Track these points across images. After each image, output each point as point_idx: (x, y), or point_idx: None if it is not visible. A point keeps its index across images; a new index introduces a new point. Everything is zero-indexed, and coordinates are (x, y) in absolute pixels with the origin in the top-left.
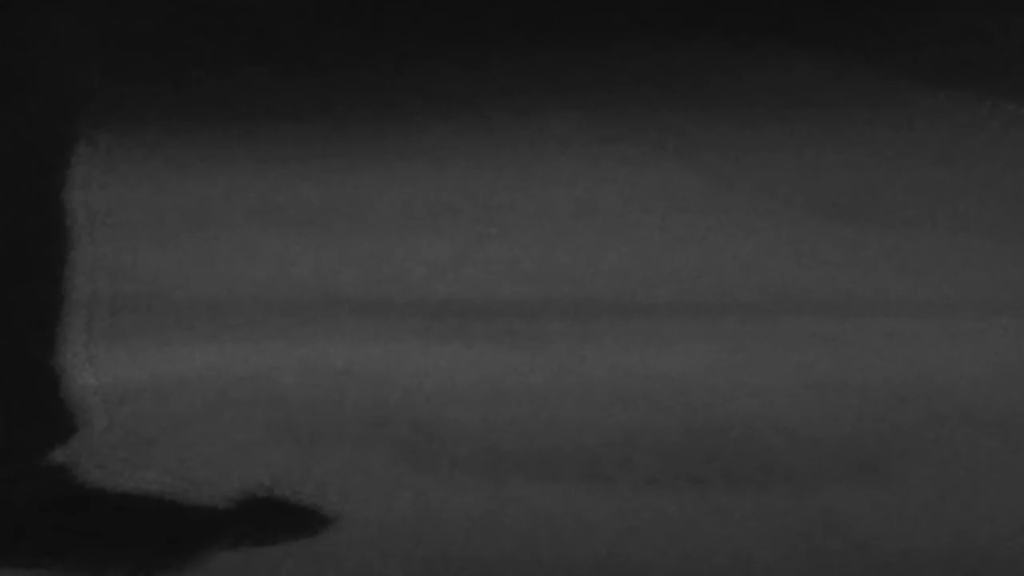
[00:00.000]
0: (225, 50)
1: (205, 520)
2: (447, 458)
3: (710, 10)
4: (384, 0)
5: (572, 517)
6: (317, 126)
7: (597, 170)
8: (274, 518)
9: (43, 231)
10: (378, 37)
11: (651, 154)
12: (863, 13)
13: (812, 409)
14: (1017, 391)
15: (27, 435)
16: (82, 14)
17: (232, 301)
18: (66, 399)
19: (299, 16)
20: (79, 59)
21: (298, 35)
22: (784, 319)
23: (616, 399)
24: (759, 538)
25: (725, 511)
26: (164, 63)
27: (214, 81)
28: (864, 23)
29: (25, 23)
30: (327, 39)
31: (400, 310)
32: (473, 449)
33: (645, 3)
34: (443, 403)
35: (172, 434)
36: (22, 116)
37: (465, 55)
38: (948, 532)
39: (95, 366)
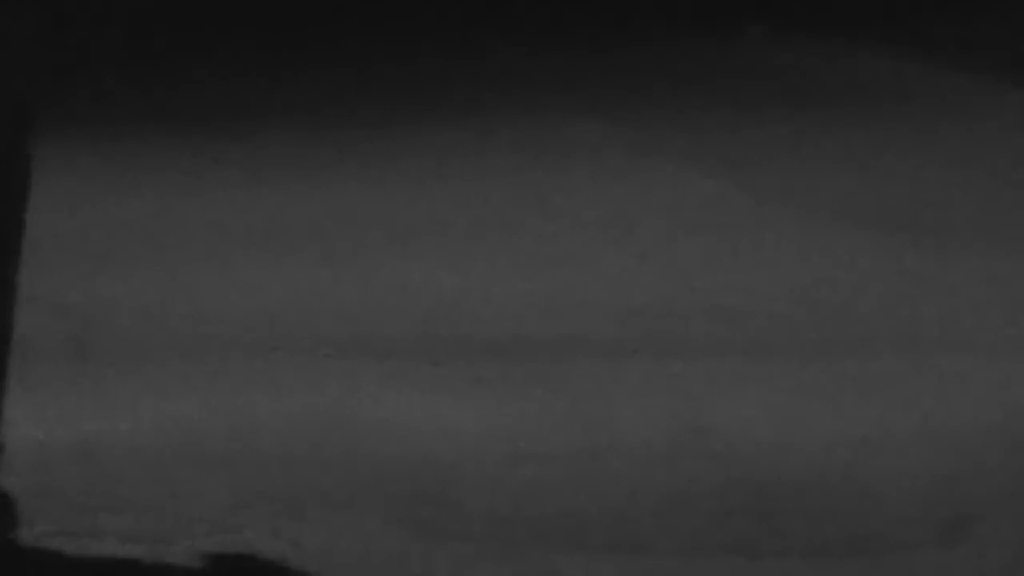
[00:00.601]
0: (198, 51)
1: None
2: (457, 525)
3: (753, 9)
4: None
5: None
6: (306, 134)
7: (629, 185)
8: None
9: None
10: (375, 34)
11: (689, 167)
12: (921, 14)
13: (881, 462)
14: None
15: None
16: (28, 16)
17: (203, 339)
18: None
19: (282, 14)
20: (26, 65)
21: (282, 34)
22: (846, 357)
23: (652, 454)
24: None
25: None
26: (123, 67)
27: (184, 85)
28: (925, 24)
29: None
30: (316, 35)
31: (402, 349)
32: (487, 515)
33: (680, 1)
34: (452, 460)
35: (133, 496)
36: None
37: (478, 58)
38: None
39: (40, 417)
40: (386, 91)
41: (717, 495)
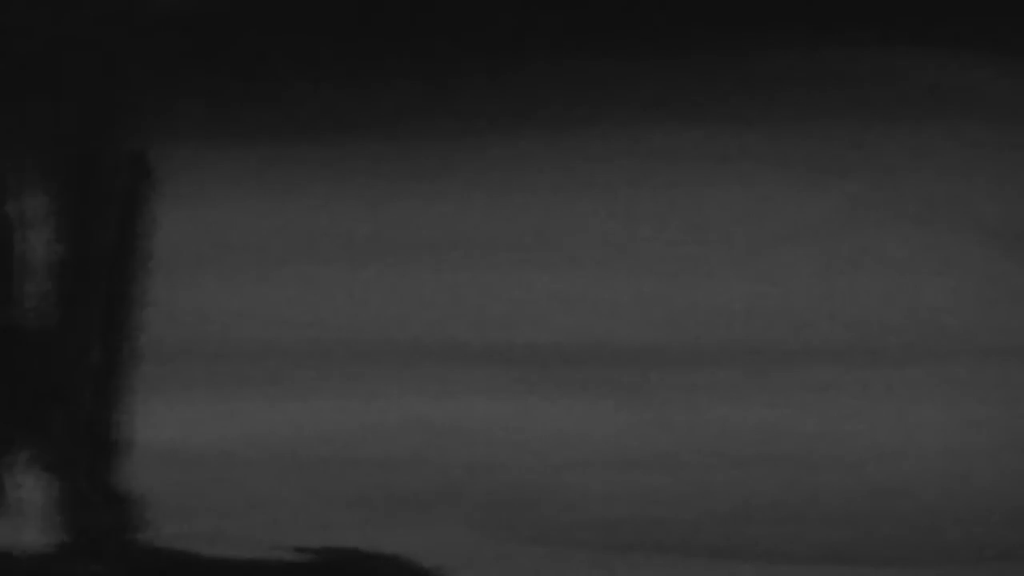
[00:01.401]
0: (298, 61)
1: None
2: (538, 530)
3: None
4: (431, 16)
5: None
6: (388, 150)
7: (714, 191)
8: None
9: (105, 269)
10: (439, 57)
11: (778, 172)
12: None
13: (977, 473)
14: None
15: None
16: (128, 36)
17: (293, 348)
18: (121, 459)
19: (357, 36)
20: (128, 82)
21: (369, 45)
22: (940, 363)
23: (735, 461)
24: None
25: None
26: (206, 81)
27: (284, 96)
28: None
29: (75, 46)
30: (387, 60)
31: (484, 357)
32: (568, 519)
33: (777, 2)
34: (534, 465)
35: (229, 499)
36: (76, 143)
37: (561, 66)
38: None
39: (164, 422)
40: (473, 103)
41: (805, 502)
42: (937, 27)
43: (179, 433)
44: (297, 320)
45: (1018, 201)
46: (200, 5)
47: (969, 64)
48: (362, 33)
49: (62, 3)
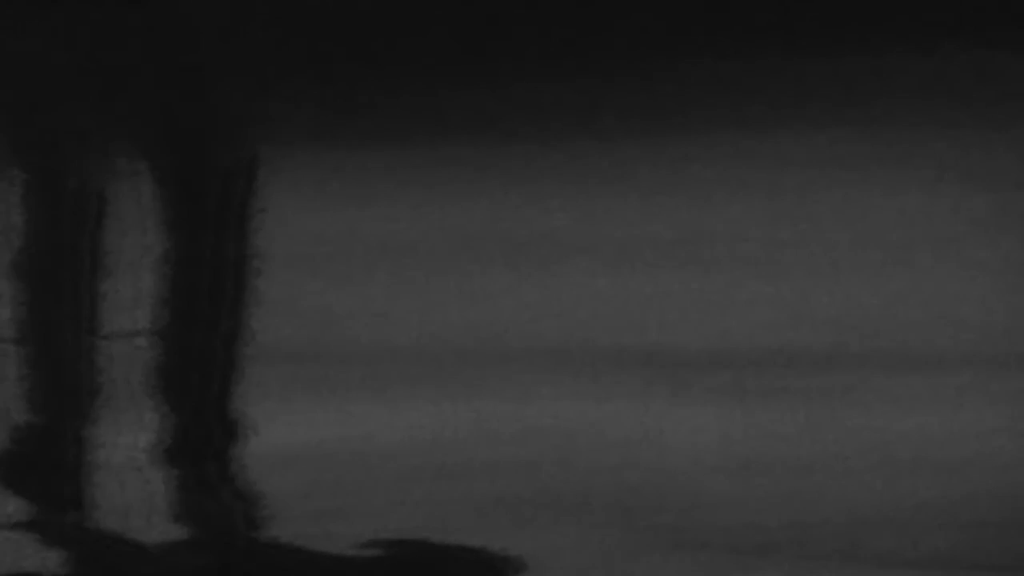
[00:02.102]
0: (403, 65)
1: None
2: (674, 534)
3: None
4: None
5: None
6: (526, 152)
7: (850, 196)
8: None
9: (219, 269)
10: (567, 48)
11: (914, 177)
12: None
13: None
14: None
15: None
16: (249, 34)
17: (419, 351)
18: (239, 460)
19: (503, 36)
20: (249, 81)
21: (503, 54)
22: None
23: (886, 466)
24: None
25: None
26: (330, 79)
27: (388, 100)
28: None
29: (194, 46)
30: (510, 51)
31: (620, 361)
32: (722, 526)
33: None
34: (669, 469)
35: (353, 505)
36: (192, 143)
37: (696, 68)
38: None
39: (279, 422)
40: (613, 106)
41: (956, 507)
42: None
43: (301, 434)
44: (430, 323)
45: None
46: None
47: None
48: (507, 34)
49: (171, 5)
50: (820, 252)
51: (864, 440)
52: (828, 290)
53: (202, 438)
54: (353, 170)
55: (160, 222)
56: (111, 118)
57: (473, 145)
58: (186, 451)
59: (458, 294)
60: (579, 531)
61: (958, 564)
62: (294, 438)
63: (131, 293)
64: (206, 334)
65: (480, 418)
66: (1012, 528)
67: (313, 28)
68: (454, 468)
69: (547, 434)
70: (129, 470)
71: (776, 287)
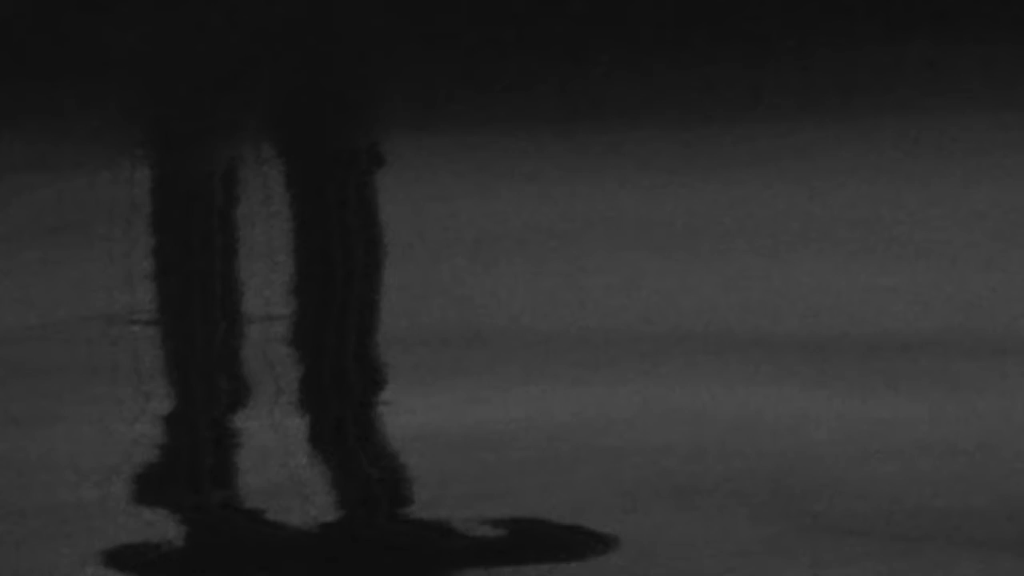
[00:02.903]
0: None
1: None
2: (851, 521)
3: None
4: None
5: None
6: (667, 137)
7: (997, 180)
8: None
9: (349, 252)
10: (742, 44)
11: None
12: None
13: None
14: None
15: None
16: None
17: (563, 334)
18: (383, 446)
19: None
20: (373, 68)
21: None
22: None
23: None
24: None
25: None
26: (467, 63)
27: (535, 86)
28: None
29: (321, 34)
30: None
31: (794, 347)
32: (883, 512)
33: None
34: (846, 457)
35: (502, 488)
36: (317, 128)
37: (838, 53)
38: None
39: (434, 404)
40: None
41: None
42: None
43: (451, 417)
44: (587, 308)
45: None
46: None
47: None
48: (648, 20)
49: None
50: (965, 238)
51: (1016, 425)
52: (976, 276)
53: (344, 420)
54: (497, 155)
55: (289, 208)
56: (238, 105)
57: (613, 130)
58: (328, 433)
59: (613, 280)
60: (734, 517)
61: None
62: (442, 421)
63: (264, 278)
64: (339, 317)
65: (636, 403)
66: None
67: (444, 13)
68: (608, 452)
69: (702, 420)
70: (272, 451)
71: (924, 273)
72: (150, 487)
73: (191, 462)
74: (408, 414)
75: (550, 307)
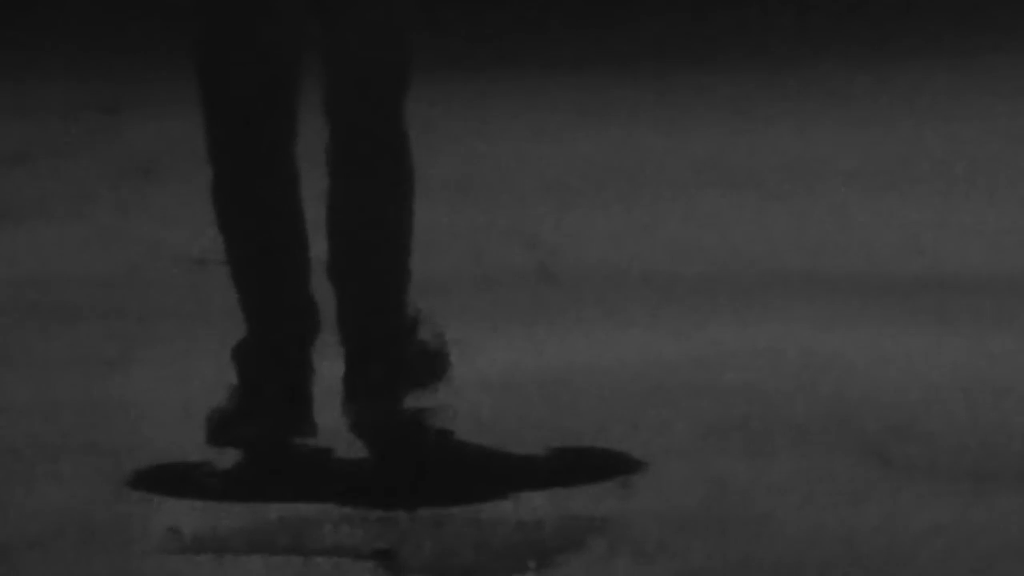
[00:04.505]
0: None
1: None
2: (924, 461)
3: None
4: None
5: None
6: (739, 73)
7: None
8: (720, 522)
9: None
10: None
11: None
12: None
13: None
14: None
15: None
16: None
17: (668, 274)
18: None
19: None
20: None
21: None
22: None
23: None
24: None
25: None
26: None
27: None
28: None
29: None
30: None
31: (866, 287)
32: (955, 450)
33: None
34: (917, 396)
35: (573, 427)
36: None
37: None
38: None
39: (509, 346)
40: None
41: None
42: None
43: (524, 359)
44: (672, 247)
45: None
46: None
47: None
48: None
49: None
50: None
51: None
52: None
53: (409, 364)
54: (567, 96)
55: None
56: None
57: (682, 72)
58: (391, 380)
59: (684, 219)
60: (812, 458)
61: None
62: (516, 362)
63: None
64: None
65: (709, 343)
66: None
67: None
68: (682, 392)
69: (775, 360)
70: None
71: (998, 212)
72: (224, 428)
73: (265, 403)
74: (482, 355)
75: (622, 248)
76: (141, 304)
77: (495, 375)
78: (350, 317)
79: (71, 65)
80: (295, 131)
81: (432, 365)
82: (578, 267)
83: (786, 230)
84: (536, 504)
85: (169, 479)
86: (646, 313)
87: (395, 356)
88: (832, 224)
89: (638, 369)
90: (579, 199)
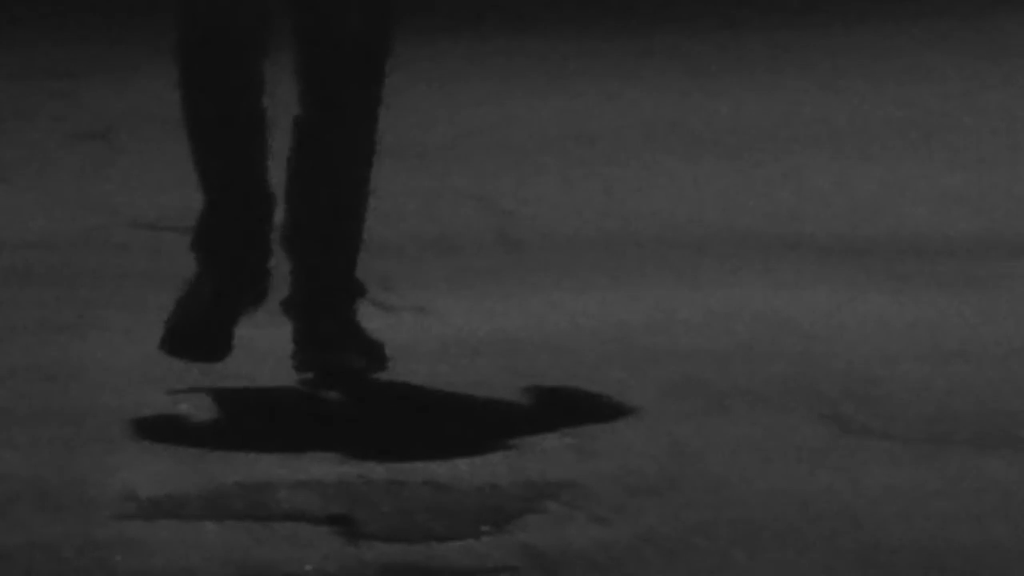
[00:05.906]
0: None
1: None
2: (879, 423)
3: None
4: None
5: None
6: (700, 36)
7: None
8: (677, 485)
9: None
10: None
11: None
12: None
13: None
14: None
15: None
16: None
17: (626, 236)
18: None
19: None
20: None
21: None
22: None
23: None
24: None
25: None
26: None
27: None
28: None
29: None
30: None
31: (822, 250)
32: (911, 413)
33: None
34: (874, 359)
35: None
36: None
37: None
38: None
39: (467, 309)
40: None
41: None
42: None
43: (488, 322)
44: (630, 211)
45: None
46: None
47: None
48: None
49: None
50: (1010, 140)
51: None
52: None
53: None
54: (526, 60)
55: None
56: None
57: (643, 35)
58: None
59: (642, 183)
60: (769, 421)
61: None
62: (474, 326)
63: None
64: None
65: (667, 306)
66: None
67: None
68: (638, 355)
69: (733, 322)
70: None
71: (976, 175)
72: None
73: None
74: (441, 319)
75: (580, 213)
76: (99, 268)
77: (453, 338)
78: (303, 281)
79: (29, 31)
80: (266, 40)
81: (372, 349)
82: (536, 231)
83: (743, 193)
84: (494, 467)
85: (126, 444)
86: (604, 276)
87: (345, 316)
88: (788, 187)
89: (596, 332)
90: (538, 164)
